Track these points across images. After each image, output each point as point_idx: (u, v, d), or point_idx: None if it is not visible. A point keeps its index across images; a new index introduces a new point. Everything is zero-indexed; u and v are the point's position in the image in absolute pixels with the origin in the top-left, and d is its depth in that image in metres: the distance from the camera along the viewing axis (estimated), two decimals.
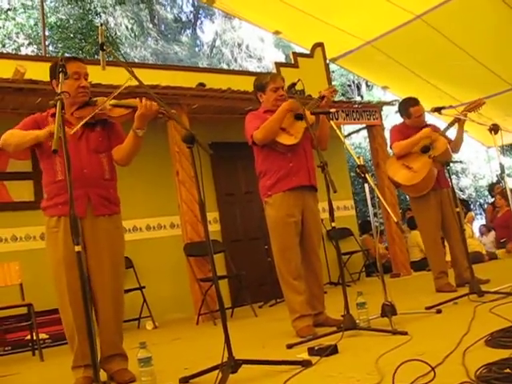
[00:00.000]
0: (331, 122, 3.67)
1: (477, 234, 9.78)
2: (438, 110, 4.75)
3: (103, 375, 2.82)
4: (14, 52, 14.21)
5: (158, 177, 6.66)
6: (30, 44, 15.83)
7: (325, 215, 4.80)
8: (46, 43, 12.41)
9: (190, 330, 5.29)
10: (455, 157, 5.23)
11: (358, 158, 3.50)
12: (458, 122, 4.91)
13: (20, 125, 3.06)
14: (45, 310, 5.16)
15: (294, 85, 3.67)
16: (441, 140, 4.84)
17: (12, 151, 3.03)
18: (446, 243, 5.39)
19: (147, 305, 6.01)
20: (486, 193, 17.22)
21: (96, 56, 13.32)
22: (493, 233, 9.32)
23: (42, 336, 5.09)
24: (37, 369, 4.20)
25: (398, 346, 2.69)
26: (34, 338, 4.72)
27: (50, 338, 5.33)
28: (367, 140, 9.84)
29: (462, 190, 17.69)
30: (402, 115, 5.18)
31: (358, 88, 19.57)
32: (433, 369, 1.95)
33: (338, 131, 3.61)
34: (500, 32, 8.56)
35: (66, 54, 13.98)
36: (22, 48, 15.66)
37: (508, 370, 1.76)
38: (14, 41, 15.85)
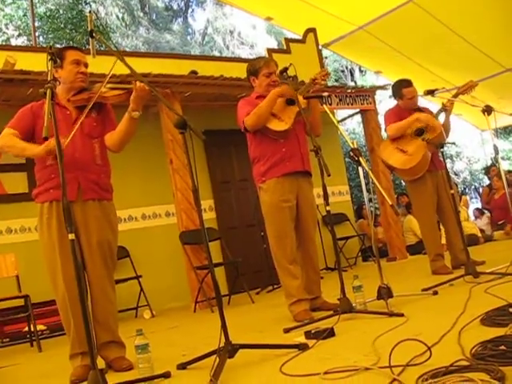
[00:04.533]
0: (324, 106, 3.65)
1: (471, 217, 9.80)
2: (430, 92, 4.75)
3: (101, 363, 2.83)
4: (3, 43, 14.09)
5: (152, 165, 6.64)
6: (19, 35, 15.71)
7: (320, 201, 4.80)
8: (36, 34, 12.33)
9: (188, 318, 5.30)
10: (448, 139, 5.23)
11: (352, 142, 3.49)
12: (445, 111, 4.92)
13: (15, 121, 3.04)
14: (42, 301, 5.17)
15: (285, 69, 3.66)
16: (435, 123, 4.84)
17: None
18: (441, 226, 5.40)
19: (144, 294, 6.02)
20: (481, 176, 17.30)
21: (87, 46, 13.22)
22: (487, 215, 9.33)
23: (40, 327, 5.11)
24: (35, 360, 4.20)
25: (395, 327, 2.70)
26: (32, 329, 4.72)
27: (48, 329, 5.35)
28: (361, 126, 9.83)
29: (456, 174, 17.73)
30: (395, 97, 5.17)
31: (352, 73, 19.52)
32: (429, 348, 1.96)
33: (331, 116, 3.60)
34: (493, 14, 8.52)
35: (57, 45, 13.87)
36: (11, 39, 15.54)
37: (503, 347, 1.77)
38: (4, 32, 15.71)
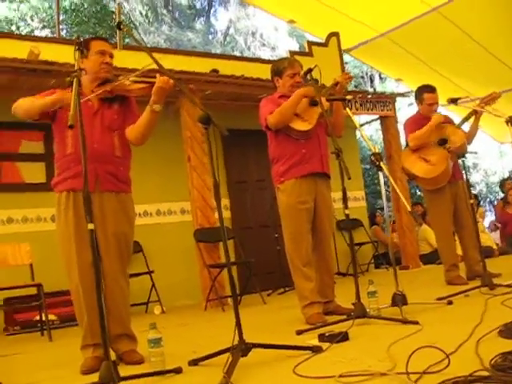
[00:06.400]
0: (347, 110, 3.64)
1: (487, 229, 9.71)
2: (454, 101, 4.70)
3: (112, 355, 2.82)
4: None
5: (169, 162, 6.65)
6: (43, 27, 15.85)
7: (336, 205, 4.77)
8: (60, 27, 12.40)
9: (198, 316, 5.29)
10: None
11: (374, 146, 3.47)
12: (475, 114, 4.86)
13: (39, 95, 3.04)
14: (54, 291, 5.19)
15: (310, 70, 3.64)
16: (458, 133, 4.79)
17: (22, 117, 3.03)
18: (456, 237, 5.35)
19: (156, 289, 6.03)
20: (497, 189, 17.13)
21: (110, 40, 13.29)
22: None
23: (51, 317, 5.10)
24: (46, 349, 4.21)
25: (410, 334, 2.68)
26: (43, 318, 4.74)
27: (59, 319, 5.36)
28: (378, 132, 9.79)
29: (472, 186, 17.58)
30: (416, 100, 5.14)
31: (371, 80, 19.44)
32: (447, 356, 1.93)
33: (354, 120, 3.59)
34: None
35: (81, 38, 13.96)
36: (36, 31, 15.67)
37: None
38: (28, 24, 15.86)
